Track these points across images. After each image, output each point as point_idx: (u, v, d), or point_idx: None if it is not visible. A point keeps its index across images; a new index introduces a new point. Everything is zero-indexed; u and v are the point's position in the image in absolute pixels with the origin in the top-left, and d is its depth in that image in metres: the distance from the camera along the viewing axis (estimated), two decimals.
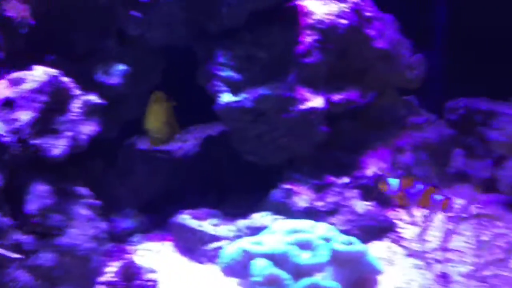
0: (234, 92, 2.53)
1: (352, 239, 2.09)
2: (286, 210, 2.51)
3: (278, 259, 2.00)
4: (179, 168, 2.93)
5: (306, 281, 1.92)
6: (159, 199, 2.76)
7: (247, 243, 2.08)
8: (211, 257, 2.48)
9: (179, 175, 2.89)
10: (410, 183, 2.32)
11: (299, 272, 1.96)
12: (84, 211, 2.20)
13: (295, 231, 2.09)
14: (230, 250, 2.12)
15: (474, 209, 2.70)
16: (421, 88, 3.09)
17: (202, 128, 3.51)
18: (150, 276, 2.35)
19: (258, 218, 2.49)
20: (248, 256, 2.05)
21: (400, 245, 2.42)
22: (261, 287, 1.93)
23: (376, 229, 2.47)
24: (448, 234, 2.36)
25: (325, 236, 2.07)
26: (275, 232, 2.13)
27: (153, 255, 2.58)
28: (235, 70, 2.54)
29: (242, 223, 2.50)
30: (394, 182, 2.34)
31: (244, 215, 2.57)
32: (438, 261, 2.27)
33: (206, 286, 2.37)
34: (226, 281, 2.38)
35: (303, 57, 2.56)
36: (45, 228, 2.09)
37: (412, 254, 2.38)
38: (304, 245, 2.03)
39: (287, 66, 2.56)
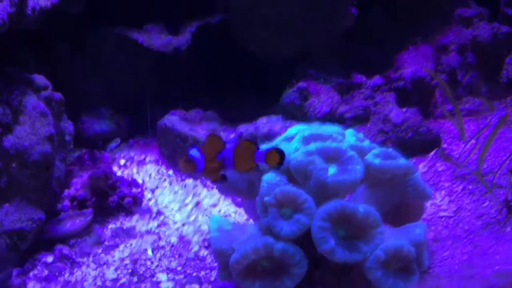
0: None
1: (392, 151, 1.57)
2: (301, 115, 1.99)
3: (295, 174, 1.49)
4: (167, 63, 2.35)
5: (331, 204, 1.42)
6: (141, 98, 2.20)
7: None
8: None
9: (167, 72, 2.32)
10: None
11: (322, 191, 1.45)
12: (37, 105, 1.66)
13: (318, 138, 1.56)
14: None
15: None
16: None
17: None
18: (131, 189, 1.86)
19: (265, 123, 1.96)
20: (257, 169, 1.54)
21: (447, 165, 1.92)
22: (271, 210, 1.43)
23: (417, 144, 1.94)
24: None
25: (358, 146, 1.55)
26: (291, 139, 1.60)
27: (134, 166, 2.08)
28: None
29: (244, 128, 1.97)
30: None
31: (247, 120, 2.05)
32: (494, 185, 1.77)
33: (197, 207, 1.89)
34: (223, 201, 1.90)
35: None
36: None
37: (462, 175, 1.87)
38: (330, 157, 1.50)
39: None
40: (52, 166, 1.69)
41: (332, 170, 1.49)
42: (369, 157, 1.52)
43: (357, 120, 1.97)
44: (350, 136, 1.60)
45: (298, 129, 1.63)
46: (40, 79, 1.75)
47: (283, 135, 1.65)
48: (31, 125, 1.61)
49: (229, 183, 1.61)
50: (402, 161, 1.54)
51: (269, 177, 1.48)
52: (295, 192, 1.44)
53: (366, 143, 1.58)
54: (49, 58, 2.01)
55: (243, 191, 1.62)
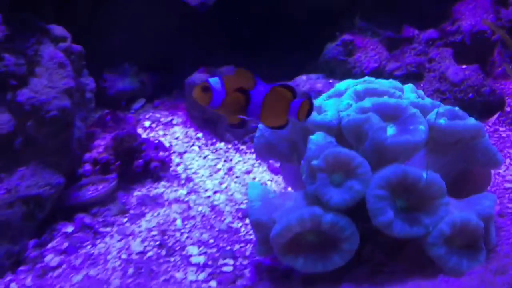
0: None
1: (459, 111, 1.36)
2: (346, 72, 1.78)
3: (347, 134, 1.29)
4: (195, 16, 2.14)
5: (390, 169, 1.22)
6: (167, 54, 2.01)
7: None
8: (237, 133, 1.81)
9: (195, 27, 2.11)
10: None
11: (380, 154, 1.25)
12: (55, 55, 1.48)
13: (373, 93, 1.35)
14: None
15: None
16: None
17: None
18: (158, 153, 1.69)
19: (305, 80, 1.75)
20: (301, 129, 1.35)
21: None
22: (319, 175, 1.24)
23: (478, 106, 1.72)
24: None
25: (419, 104, 1.34)
26: (340, 95, 1.39)
27: (160, 129, 1.91)
28: None
29: None
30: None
31: (286, 78, 1.85)
32: None
33: (229, 173, 1.72)
34: (258, 167, 1.73)
35: None
36: None
37: None
38: (389, 115, 1.30)
39: None
40: (72, 124, 1.52)
41: (390, 130, 1.29)
42: (432, 116, 1.31)
43: (409, 78, 1.75)
44: (409, 92, 1.39)
45: (348, 84, 1.43)
46: (58, 29, 1.57)
47: (331, 91, 1.45)
48: (48, 77, 1.44)
49: (268, 143, 1.43)
50: (471, 121, 1.33)
51: (317, 138, 1.29)
52: (349, 155, 1.24)
53: (428, 100, 1.37)
54: (68, 10, 1.82)
55: (284, 154, 1.43)
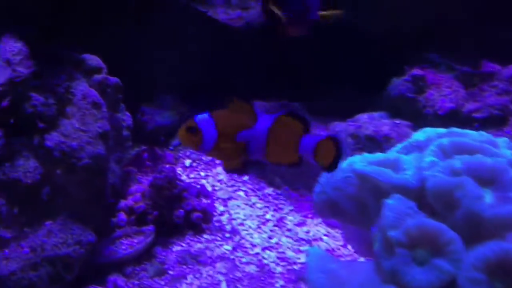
0: None
1: None
2: (415, 111, 1.56)
3: (433, 200, 1.07)
4: (238, 42, 1.95)
5: (489, 247, 0.99)
6: (210, 85, 1.82)
7: (369, 164, 1.15)
8: (287, 176, 1.61)
9: (237, 52, 1.93)
10: None
11: (475, 228, 1.03)
12: (89, 93, 1.31)
13: (464, 150, 1.12)
14: (335, 172, 1.20)
15: None
16: None
17: None
18: (200, 200, 1.51)
19: (367, 120, 1.54)
20: (372, 188, 1.13)
21: None
22: (399, 250, 1.02)
23: None
24: None
25: None
26: (419, 148, 1.17)
27: (202, 169, 1.72)
28: None
29: (342, 127, 1.56)
30: None
31: (343, 115, 1.64)
32: None
33: (279, 225, 1.52)
34: (314, 217, 1.53)
35: None
36: (21, 117, 1.22)
37: None
38: (484, 178, 1.07)
39: None
40: (107, 171, 1.34)
41: (487, 197, 1.07)
42: None
43: (491, 122, 1.51)
44: (505, 148, 1.16)
45: (428, 134, 1.20)
46: (92, 59, 1.41)
47: (406, 142, 1.23)
48: (80, 118, 1.27)
49: (330, 201, 1.22)
50: None
51: (395, 203, 1.07)
52: (437, 228, 1.02)
53: None
54: (102, 35, 1.65)
55: (349, 215, 1.22)
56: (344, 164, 1.22)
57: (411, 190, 1.09)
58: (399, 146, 1.25)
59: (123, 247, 1.36)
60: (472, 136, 1.18)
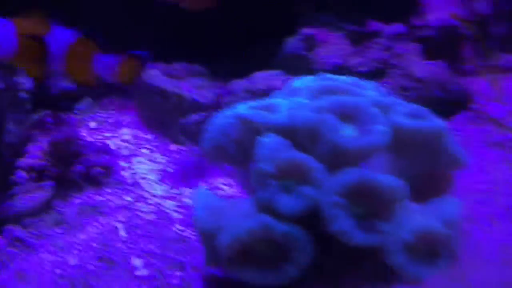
0: None
1: (423, 110, 1.26)
2: (306, 68, 1.67)
3: (302, 136, 1.18)
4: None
5: (348, 174, 1.11)
6: (115, 46, 1.86)
7: (249, 108, 1.25)
8: (192, 134, 1.68)
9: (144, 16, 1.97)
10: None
11: (337, 158, 1.15)
12: None
13: (331, 91, 1.24)
14: (220, 119, 1.30)
15: None
16: None
17: None
18: (101, 157, 1.56)
19: (262, 77, 1.65)
20: (251, 130, 1.23)
21: (481, 128, 1.61)
22: (270, 181, 1.13)
23: (445, 103, 1.63)
24: None
25: (381, 102, 1.23)
26: (297, 93, 1.28)
27: (107, 130, 1.77)
28: None
29: (238, 84, 1.66)
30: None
31: (242, 74, 1.73)
32: None
33: (183, 178, 1.60)
34: (212, 169, 1.61)
35: None
36: None
37: (498, 142, 1.57)
38: (347, 114, 1.19)
39: None
40: (2, 129, 1.37)
41: (349, 131, 1.19)
42: (395, 116, 1.21)
43: (373, 75, 1.65)
44: (371, 90, 1.28)
45: (304, 81, 1.32)
46: None
47: (284, 89, 1.34)
48: None
49: (217, 146, 1.31)
50: (435, 120, 1.23)
51: (267, 140, 1.17)
52: (302, 160, 1.13)
53: (391, 99, 1.28)
54: None
55: (235, 158, 1.31)
56: (231, 111, 1.32)
57: (283, 128, 1.20)
58: (279, 93, 1.35)
59: (22, 202, 1.41)
60: (341, 80, 1.30)
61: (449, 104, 1.66)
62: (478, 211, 1.44)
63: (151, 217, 1.47)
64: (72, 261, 1.31)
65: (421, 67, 1.66)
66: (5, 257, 1.30)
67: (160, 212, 1.49)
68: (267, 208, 1.15)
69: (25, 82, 1.56)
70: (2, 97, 1.34)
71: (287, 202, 1.12)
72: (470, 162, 1.53)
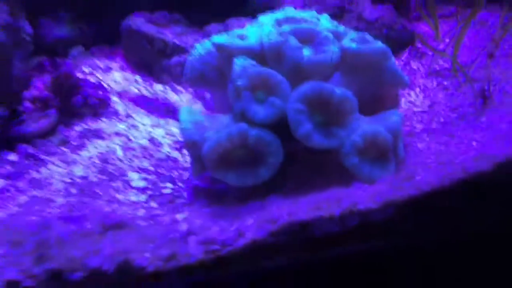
0: None
1: (368, 36, 1.51)
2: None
3: (270, 58, 1.42)
4: None
5: (307, 85, 1.36)
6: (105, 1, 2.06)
7: (224, 37, 1.48)
8: (174, 74, 1.91)
9: None
10: None
11: (297, 73, 1.40)
12: None
13: (292, 21, 1.49)
14: (199, 49, 1.53)
15: None
16: None
17: None
18: (96, 91, 1.77)
19: (236, 22, 1.87)
20: (226, 54, 1.47)
21: (422, 62, 1.88)
22: (244, 93, 1.37)
23: (392, 42, 1.88)
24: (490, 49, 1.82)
25: (333, 30, 1.49)
26: (264, 25, 1.52)
27: (99, 73, 1.98)
28: None
29: (213, 28, 1.89)
30: None
31: (217, 21, 1.96)
32: (468, 80, 1.74)
33: (167, 106, 1.82)
34: (195, 104, 1.84)
35: None
36: None
37: (436, 71, 1.84)
38: (305, 38, 1.44)
39: None
40: (10, 61, 1.57)
41: (307, 51, 1.43)
42: (345, 41, 1.47)
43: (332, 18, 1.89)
44: (325, 21, 1.53)
45: (270, 15, 1.56)
46: None
47: (254, 23, 1.57)
48: None
49: (199, 74, 1.53)
50: (378, 44, 1.49)
51: (241, 60, 1.41)
52: (269, 73, 1.38)
53: (342, 28, 1.53)
54: None
55: (214, 82, 1.55)
56: (208, 41, 1.55)
57: (253, 51, 1.44)
58: (249, 27, 1.59)
59: (31, 126, 1.62)
60: (301, 13, 1.55)
61: (396, 42, 1.92)
62: (418, 127, 1.71)
63: (143, 141, 1.70)
64: (78, 172, 1.53)
65: (371, 10, 1.91)
66: (21, 168, 1.51)
67: (151, 138, 1.72)
68: (242, 117, 1.38)
69: (25, 26, 1.75)
70: (9, 35, 1.53)
71: (258, 110, 1.36)
72: (410, 92, 1.80)
